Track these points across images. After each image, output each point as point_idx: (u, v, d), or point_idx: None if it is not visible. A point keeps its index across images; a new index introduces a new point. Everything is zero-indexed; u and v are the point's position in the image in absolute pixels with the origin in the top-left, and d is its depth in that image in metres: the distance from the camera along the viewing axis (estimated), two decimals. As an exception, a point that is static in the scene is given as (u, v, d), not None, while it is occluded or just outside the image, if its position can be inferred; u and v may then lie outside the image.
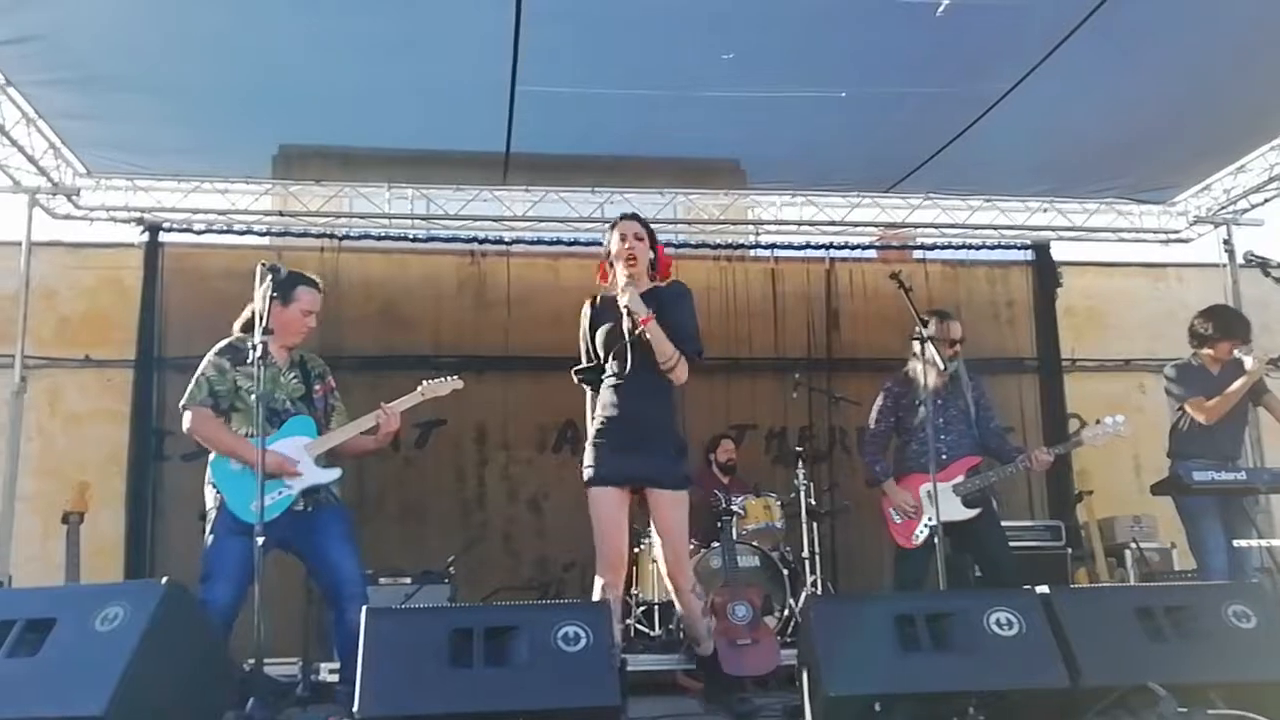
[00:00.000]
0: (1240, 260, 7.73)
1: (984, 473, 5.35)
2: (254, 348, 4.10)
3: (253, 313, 4.40)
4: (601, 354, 4.40)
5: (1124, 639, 3.52)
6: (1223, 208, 8.30)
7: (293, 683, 5.43)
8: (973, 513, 5.24)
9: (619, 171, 7.72)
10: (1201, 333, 5.73)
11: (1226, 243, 8.39)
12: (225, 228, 7.69)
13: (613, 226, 4.44)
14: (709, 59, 6.17)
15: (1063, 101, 6.65)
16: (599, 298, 4.54)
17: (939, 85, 6.47)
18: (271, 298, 4.26)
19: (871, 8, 5.71)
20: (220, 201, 7.67)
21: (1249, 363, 5.44)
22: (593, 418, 4.46)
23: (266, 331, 4.13)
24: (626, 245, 4.31)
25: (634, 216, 4.48)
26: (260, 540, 3.94)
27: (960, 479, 5.27)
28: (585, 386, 4.67)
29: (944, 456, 5.19)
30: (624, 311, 4.21)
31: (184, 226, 7.64)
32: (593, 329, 4.46)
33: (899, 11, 5.69)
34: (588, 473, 4.31)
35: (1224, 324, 5.73)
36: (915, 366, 5.39)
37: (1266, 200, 8.12)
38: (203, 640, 3.84)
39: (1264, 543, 5.37)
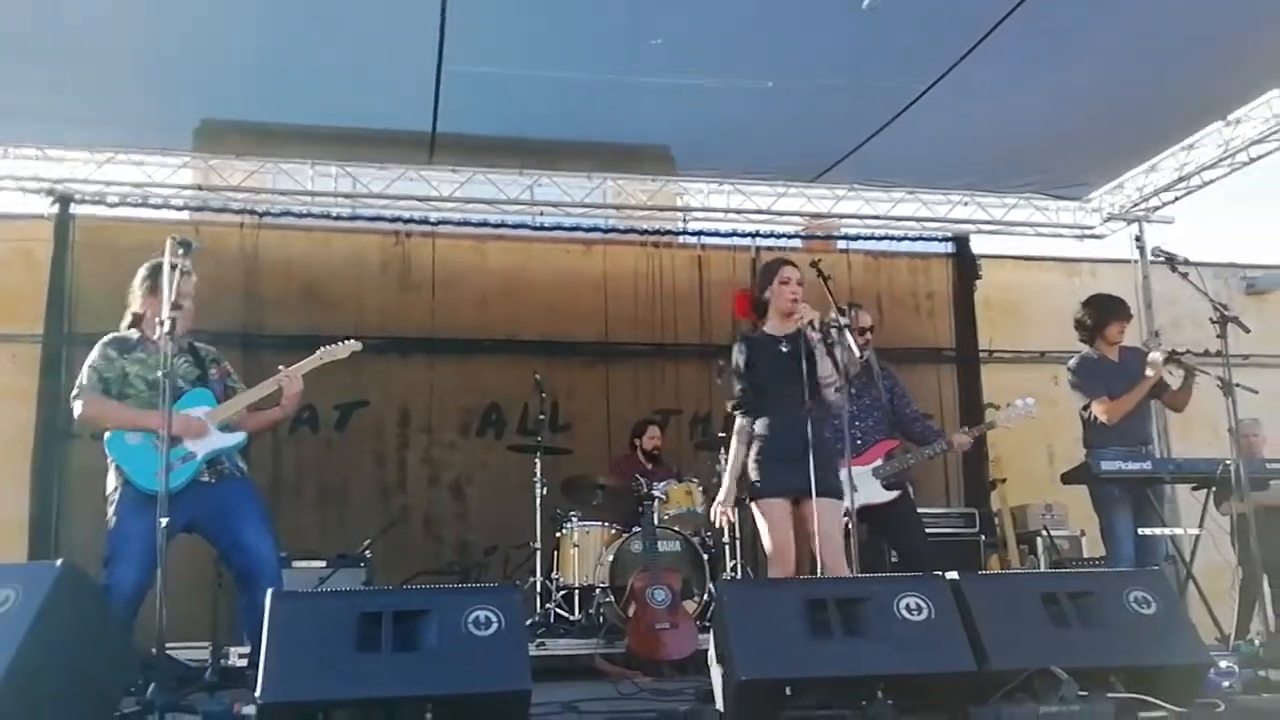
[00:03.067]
0: (1150, 256, 7.92)
1: (902, 455, 5.43)
2: (161, 323, 4.03)
3: (133, 313, 4.58)
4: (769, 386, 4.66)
5: (1029, 624, 3.58)
6: (1135, 205, 8.52)
7: (201, 667, 5.33)
8: (892, 495, 5.33)
9: (547, 154, 7.65)
10: (1088, 324, 5.90)
11: (1138, 239, 8.62)
12: (140, 201, 7.45)
13: (779, 269, 4.77)
14: (639, 44, 6.16)
15: (983, 97, 6.77)
16: (748, 338, 4.86)
17: (865, 77, 6.54)
18: (144, 293, 4.50)
19: (800, -2, 5.75)
20: (136, 174, 7.42)
21: (1153, 356, 5.59)
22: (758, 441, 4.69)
23: (175, 307, 4.04)
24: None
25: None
26: (164, 521, 3.84)
27: (879, 462, 5.34)
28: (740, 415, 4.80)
29: (859, 442, 5.25)
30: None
31: (97, 199, 7.40)
32: (759, 363, 4.70)
33: (827, 2, 5.74)
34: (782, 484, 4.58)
35: (1102, 309, 5.92)
36: None
37: (1176, 199, 8.36)
38: (101, 624, 3.73)
39: (1168, 531, 5.54)
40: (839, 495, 4.55)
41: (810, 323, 4.53)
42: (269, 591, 3.46)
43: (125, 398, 4.43)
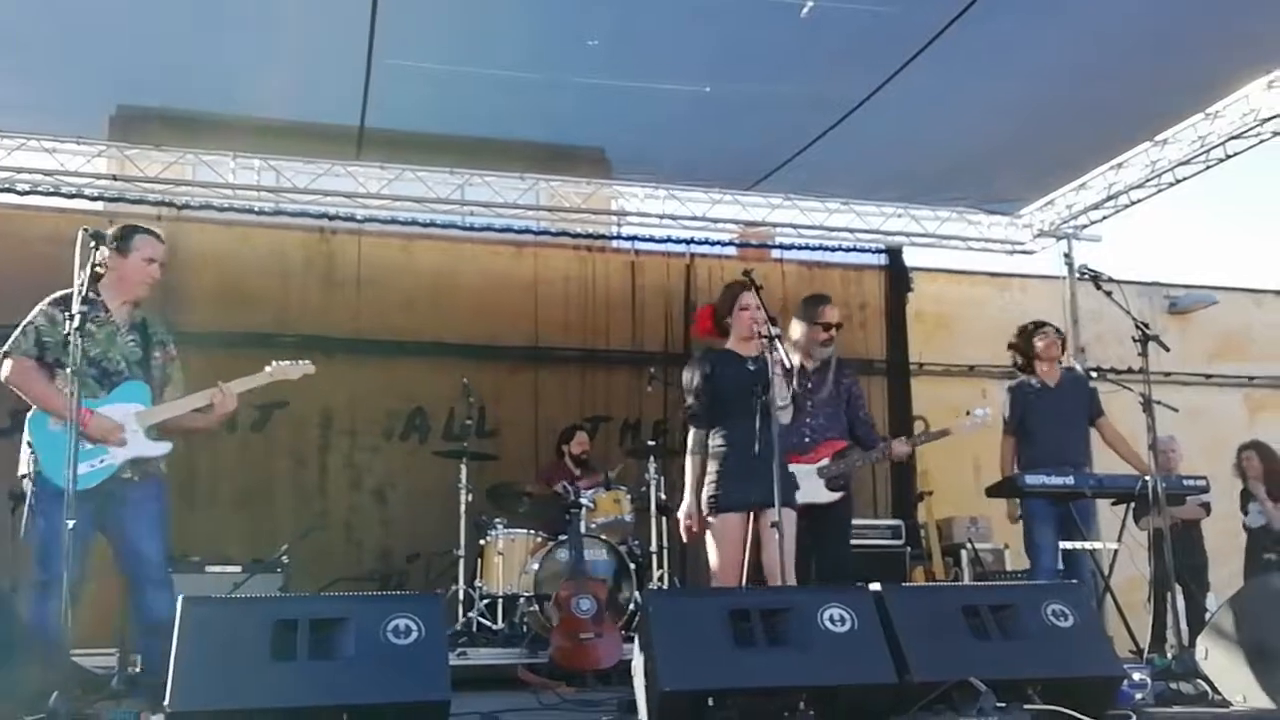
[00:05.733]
0: (1077, 274, 8.08)
1: (850, 457, 5.38)
2: (70, 318, 3.82)
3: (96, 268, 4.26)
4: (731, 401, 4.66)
5: (950, 636, 3.60)
6: (1064, 222, 8.69)
7: (108, 674, 5.16)
8: (834, 497, 5.21)
9: (479, 153, 7.55)
10: (1021, 358, 6.03)
11: (1067, 256, 8.79)
12: (53, 189, 7.20)
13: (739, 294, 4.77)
14: (575, 44, 6.13)
15: (919, 110, 6.84)
16: (712, 351, 4.87)
17: (801, 86, 6.57)
18: (111, 251, 4.18)
19: (738, 4, 5.74)
20: (48, 161, 7.18)
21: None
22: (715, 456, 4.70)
23: (86, 301, 3.84)
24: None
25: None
26: (72, 524, 3.68)
27: (825, 461, 5.24)
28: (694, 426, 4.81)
29: (806, 440, 5.21)
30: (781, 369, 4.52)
31: (6, 186, 7.12)
32: (717, 379, 4.73)
33: (765, 10, 5.75)
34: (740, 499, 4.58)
35: (1026, 337, 6.07)
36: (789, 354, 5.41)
37: (1105, 217, 8.56)
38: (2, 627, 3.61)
39: (1086, 545, 5.62)
40: (794, 506, 4.65)
41: (770, 342, 4.53)
42: (180, 597, 3.35)
43: (62, 366, 4.12)
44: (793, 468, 5.03)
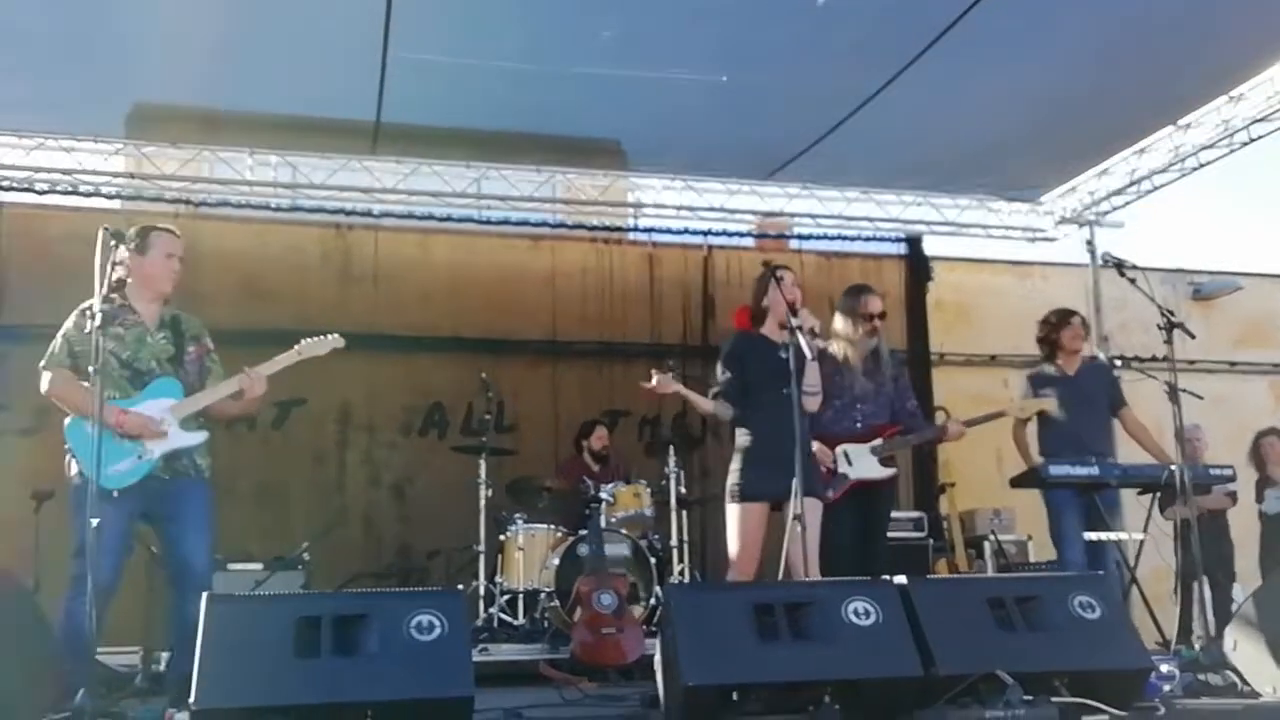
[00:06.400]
0: (1100, 261, 8.00)
1: (902, 438, 5.42)
2: (91, 316, 3.90)
3: (118, 272, 4.29)
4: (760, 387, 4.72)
5: (976, 628, 3.59)
6: (1086, 209, 8.60)
7: (132, 672, 5.20)
8: (889, 472, 5.32)
9: (495, 146, 7.53)
10: (1048, 339, 6.00)
11: (1089, 243, 8.71)
12: (70, 189, 7.24)
13: (775, 278, 4.74)
14: (590, 36, 6.11)
15: (937, 97, 6.78)
16: (746, 335, 4.98)
17: (819, 74, 6.52)
18: (131, 252, 4.23)
19: (754, -7, 5.72)
20: (66, 160, 7.20)
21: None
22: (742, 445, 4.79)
23: (107, 300, 3.91)
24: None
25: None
26: (95, 522, 3.70)
27: (879, 442, 5.31)
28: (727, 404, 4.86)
29: (858, 426, 5.28)
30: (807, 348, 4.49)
31: (25, 186, 7.14)
32: (749, 360, 4.82)
33: (781, -1, 5.72)
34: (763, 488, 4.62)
35: (1055, 320, 6.04)
36: (833, 345, 5.42)
37: (1127, 203, 8.46)
38: (25, 627, 3.66)
39: (1112, 535, 5.59)
40: (820, 497, 4.72)
41: (812, 329, 4.55)
42: (204, 595, 3.36)
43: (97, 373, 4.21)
44: (846, 447, 5.20)
